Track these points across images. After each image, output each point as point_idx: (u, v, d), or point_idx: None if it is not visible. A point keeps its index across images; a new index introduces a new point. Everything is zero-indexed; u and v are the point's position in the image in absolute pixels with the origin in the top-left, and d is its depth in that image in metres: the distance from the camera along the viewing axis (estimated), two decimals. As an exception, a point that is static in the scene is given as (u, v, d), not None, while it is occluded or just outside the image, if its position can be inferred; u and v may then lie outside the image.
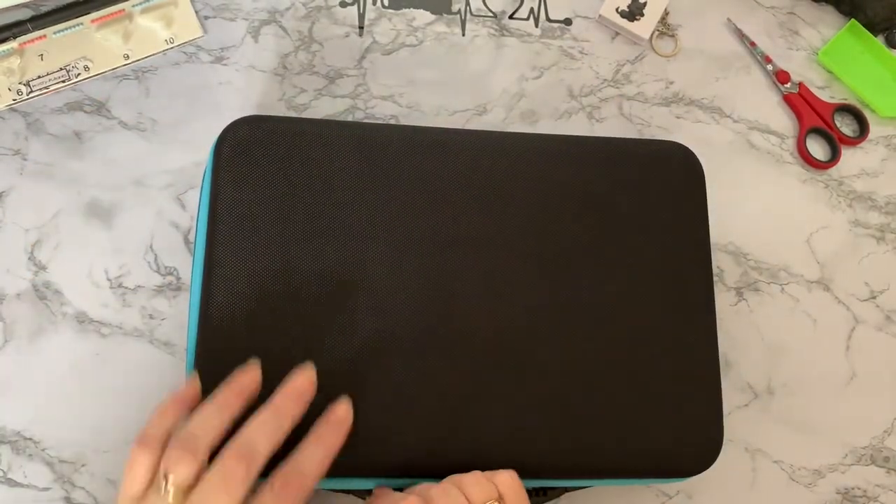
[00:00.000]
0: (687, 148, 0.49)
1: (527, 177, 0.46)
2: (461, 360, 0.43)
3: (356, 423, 0.40)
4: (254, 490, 0.36)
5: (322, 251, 0.43)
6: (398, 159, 0.45)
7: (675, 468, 0.45)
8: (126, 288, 0.51)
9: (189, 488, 0.35)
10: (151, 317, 0.50)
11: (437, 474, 0.42)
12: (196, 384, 0.40)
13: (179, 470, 0.35)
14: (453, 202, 0.45)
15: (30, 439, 0.48)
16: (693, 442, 0.45)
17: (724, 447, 0.46)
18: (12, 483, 0.47)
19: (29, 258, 0.51)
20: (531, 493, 0.45)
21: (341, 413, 0.39)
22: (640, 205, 0.47)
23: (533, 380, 0.43)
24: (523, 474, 0.43)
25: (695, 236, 0.48)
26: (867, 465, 0.54)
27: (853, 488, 0.53)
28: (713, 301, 0.47)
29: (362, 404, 0.41)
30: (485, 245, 0.45)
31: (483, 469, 0.41)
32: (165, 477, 0.35)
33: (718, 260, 0.56)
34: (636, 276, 0.46)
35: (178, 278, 0.51)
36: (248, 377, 0.39)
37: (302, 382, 0.39)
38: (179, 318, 0.50)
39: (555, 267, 0.45)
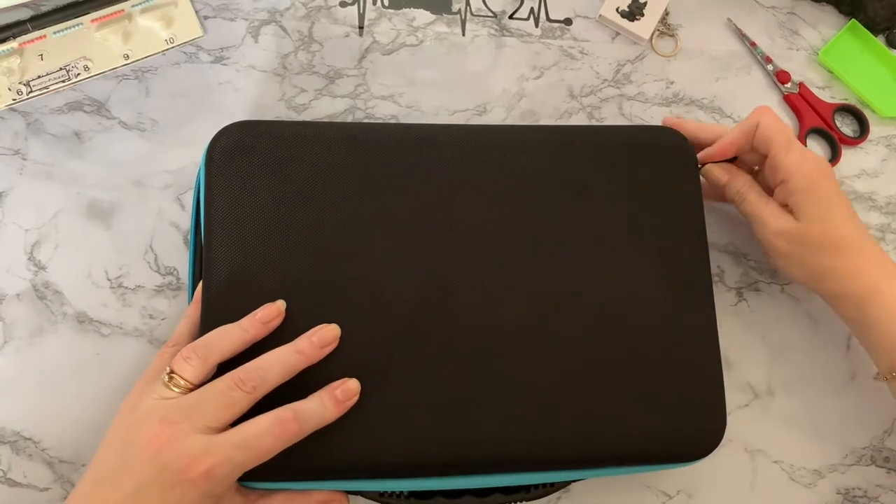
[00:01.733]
0: (679, 132, 0.49)
1: (520, 169, 0.46)
2: (461, 354, 0.43)
3: (357, 425, 0.40)
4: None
5: (317, 251, 0.43)
6: (390, 157, 0.45)
7: (679, 452, 0.45)
8: (126, 288, 0.51)
9: (190, 388, 0.38)
10: (151, 317, 0.50)
11: (442, 471, 0.42)
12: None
13: (184, 368, 0.38)
14: (447, 197, 0.45)
15: (30, 439, 0.48)
16: (695, 425, 0.45)
17: (724, 447, 0.46)
18: (12, 483, 0.47)
19: (29, 258, 0.50)
20: (537, 487, 0.44)
21: (353, 387, 0.41)
22: (635, 192, 0.47)
23: (533, 370, 0.43)
24: (526, 466, 0.43)
25: (690, 220, 0.48)
26: (867, 465, 0.54)
27: (853, 488, 0.53)
28: (710, 284, 0.47)
29: (363, 405, 0.41)
30: (481, 238, 0.45)
31: (486, 464, 0.41)
32: (171, 373, 0.38)
33: (719, 260, 0.56)
34: (633, 263, 0.46)
35: (178, 278, 0.51)
36: (272, 309, 0.41)
37: (327, 332, 0.41)
38: (179, 317, 0.50)
39: (551, 258, 0.45)
